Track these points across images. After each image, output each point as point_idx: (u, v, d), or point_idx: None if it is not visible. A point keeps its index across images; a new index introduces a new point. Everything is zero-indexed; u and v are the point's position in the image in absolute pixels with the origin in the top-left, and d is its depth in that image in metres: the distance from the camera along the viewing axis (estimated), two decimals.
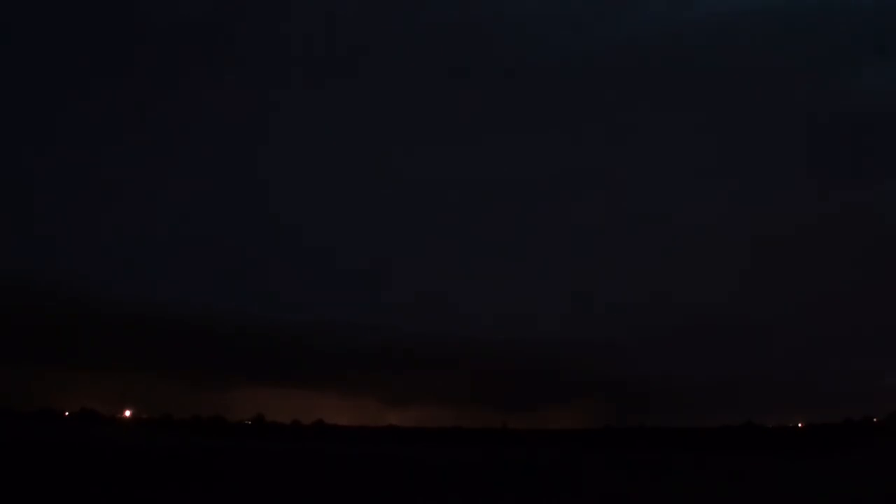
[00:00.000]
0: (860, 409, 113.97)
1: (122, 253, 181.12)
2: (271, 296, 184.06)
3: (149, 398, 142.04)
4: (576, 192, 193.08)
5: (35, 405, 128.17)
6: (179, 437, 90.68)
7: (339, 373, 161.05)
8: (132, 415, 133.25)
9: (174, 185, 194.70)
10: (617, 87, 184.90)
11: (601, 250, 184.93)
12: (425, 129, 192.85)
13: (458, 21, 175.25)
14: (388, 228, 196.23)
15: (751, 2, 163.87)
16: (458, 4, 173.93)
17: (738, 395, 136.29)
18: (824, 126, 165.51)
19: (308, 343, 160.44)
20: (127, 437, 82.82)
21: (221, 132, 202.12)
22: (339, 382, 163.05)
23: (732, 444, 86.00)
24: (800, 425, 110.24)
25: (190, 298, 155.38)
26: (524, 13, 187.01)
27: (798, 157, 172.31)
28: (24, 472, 30.78)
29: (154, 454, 49.60)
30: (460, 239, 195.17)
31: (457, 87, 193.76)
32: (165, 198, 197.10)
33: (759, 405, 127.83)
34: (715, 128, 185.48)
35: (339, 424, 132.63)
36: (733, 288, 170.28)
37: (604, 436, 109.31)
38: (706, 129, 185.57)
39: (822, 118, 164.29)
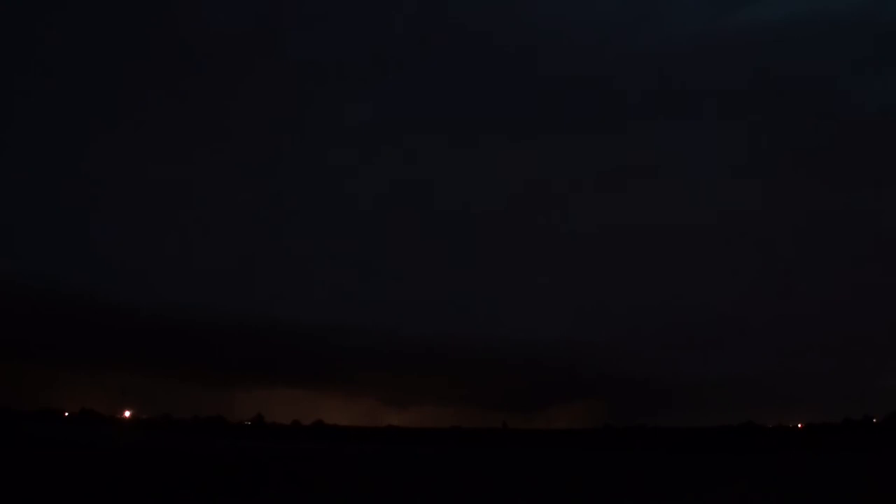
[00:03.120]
0: (860, 409, 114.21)
1: (122, 255, 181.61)
2: (271, 297, 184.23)
3: (149, 398, 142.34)
4: (578, 196, 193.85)
5: (35, 405, 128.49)
6: (179, 437, 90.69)
7: (339, 373, 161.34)
8: (132, 415, 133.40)
9: (174, 187, 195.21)
10: (641, 93, 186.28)
11: (602, 252, 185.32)
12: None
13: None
14: (389, 230, 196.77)
15: (781, 12, 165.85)
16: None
17: (738, 395, 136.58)
18: (845, 131, 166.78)
19: (308, 343, 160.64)
20: (127, 437, 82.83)
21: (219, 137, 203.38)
22: (339, 382, 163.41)
23: (732, 444, 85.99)
24: (800, 426, 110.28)
25: (190, 300, 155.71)
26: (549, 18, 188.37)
27: (806, 161, 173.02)
28: (25, 472, 30.78)
29: (154, 454, 49.57)
30: (460, 240, 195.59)
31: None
32: (166, 200, 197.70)
33: (759, 405, 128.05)
34: (717, 133, 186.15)
35: (339, 424, 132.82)
36: (734, 289, 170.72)
37: (604, 436, 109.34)
38: (705, 134, 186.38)
39: (845, 123, 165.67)
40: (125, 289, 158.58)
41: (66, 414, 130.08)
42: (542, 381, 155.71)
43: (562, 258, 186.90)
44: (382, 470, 43.08)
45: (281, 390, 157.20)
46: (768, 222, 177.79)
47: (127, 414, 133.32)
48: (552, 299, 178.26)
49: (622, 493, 30.99)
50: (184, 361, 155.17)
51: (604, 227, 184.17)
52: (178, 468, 37.43)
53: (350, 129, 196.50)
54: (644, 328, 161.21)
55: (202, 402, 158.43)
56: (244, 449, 64.55)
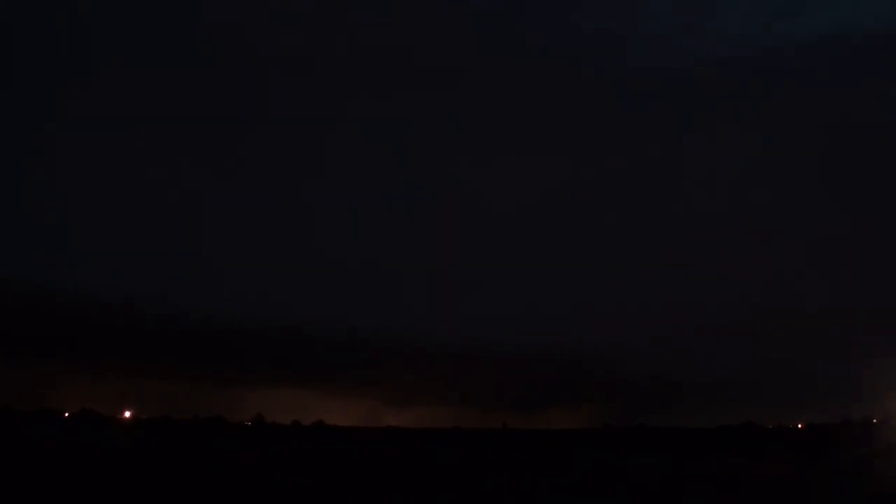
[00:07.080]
0: (860, 409, 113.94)
1: (122, 255, 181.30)
2: (271, 297, 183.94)
3: (149, 398, 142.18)
4: (580, 200, 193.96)
5: (35, 405, 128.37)
6: (179, 437, 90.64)
7: (339, 373, 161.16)
8: (132, 415, 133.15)
9: (177, 191, 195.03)
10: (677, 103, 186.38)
11: (603, 254, 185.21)
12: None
13: None
14: (391, 232, 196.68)
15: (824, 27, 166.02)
16: None
17: (738, 395, 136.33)
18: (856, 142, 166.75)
19: (308, 343, 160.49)
20: (127, 438, 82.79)
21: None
22: (339, 382, 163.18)
23: (732, 444, 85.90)
24: (800, 426, 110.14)
25: (191, 300, 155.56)
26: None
27: (818, 168, 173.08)
28: (24, 472, 30.78)
29: (154, 454, 49.58)
30: (461, 242, 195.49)
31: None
32: (167, 203, 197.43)
33: (759, 405, 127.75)
34: (720, 139, 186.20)
35: (339, 425, 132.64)
36: (734, 290, 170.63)
37: (604, 436, 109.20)
38: (712, 141, 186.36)
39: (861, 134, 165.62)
40: (126, 289, 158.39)
41: (66, 414, 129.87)
42: (542, 382, 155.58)
43: (561, 259, 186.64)
44: (382, 470, 43.07)
45: (281, 390, 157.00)
46: (770, 224, 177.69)
47: (127, 414, 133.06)
48: (552, 299, 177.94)
49: (622, 493, 31.00)
50: (184, 361, 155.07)
51: (604, 227, 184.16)
52: (178, 468, 37.43)
53: None
54: (644, 328, 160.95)
55: (202, 402, 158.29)
56: (244, 449, 64.54)
